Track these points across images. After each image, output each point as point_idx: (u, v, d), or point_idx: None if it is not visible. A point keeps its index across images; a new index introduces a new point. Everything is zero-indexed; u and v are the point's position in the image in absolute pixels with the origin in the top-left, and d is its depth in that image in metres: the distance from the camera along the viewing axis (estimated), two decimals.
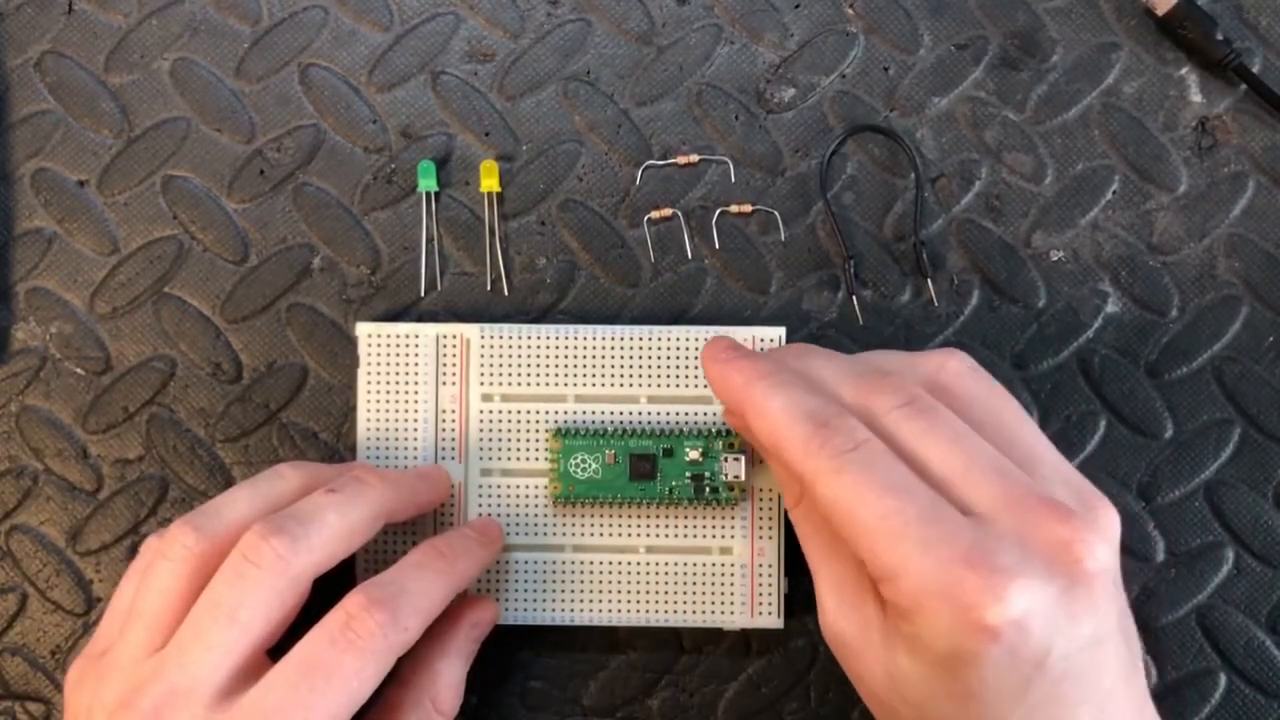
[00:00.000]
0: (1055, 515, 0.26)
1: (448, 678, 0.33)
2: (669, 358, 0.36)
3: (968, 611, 0.25)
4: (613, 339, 0.36)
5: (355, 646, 0.28)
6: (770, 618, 0.35)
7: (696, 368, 0.36)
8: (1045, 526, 0.26)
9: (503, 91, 0.38)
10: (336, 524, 0.30)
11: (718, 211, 0.38)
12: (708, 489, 0.35)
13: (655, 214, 0.38)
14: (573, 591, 0.35)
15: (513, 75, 0.38)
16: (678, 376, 0.36)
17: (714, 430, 0.35)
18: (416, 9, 0.39)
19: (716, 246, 0.37)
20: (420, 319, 0.37)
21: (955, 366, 0.30)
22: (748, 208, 0.37)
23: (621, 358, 0.36)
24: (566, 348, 0.36)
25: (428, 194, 0.38)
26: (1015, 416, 0.30)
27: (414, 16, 0.38)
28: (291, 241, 0.38)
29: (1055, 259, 0.37)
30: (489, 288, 0.37)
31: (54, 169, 0.38)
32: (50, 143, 0.38)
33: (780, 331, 0.36)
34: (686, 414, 0.36)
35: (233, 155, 0.38)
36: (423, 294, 0.37)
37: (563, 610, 0.35)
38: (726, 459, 0.35)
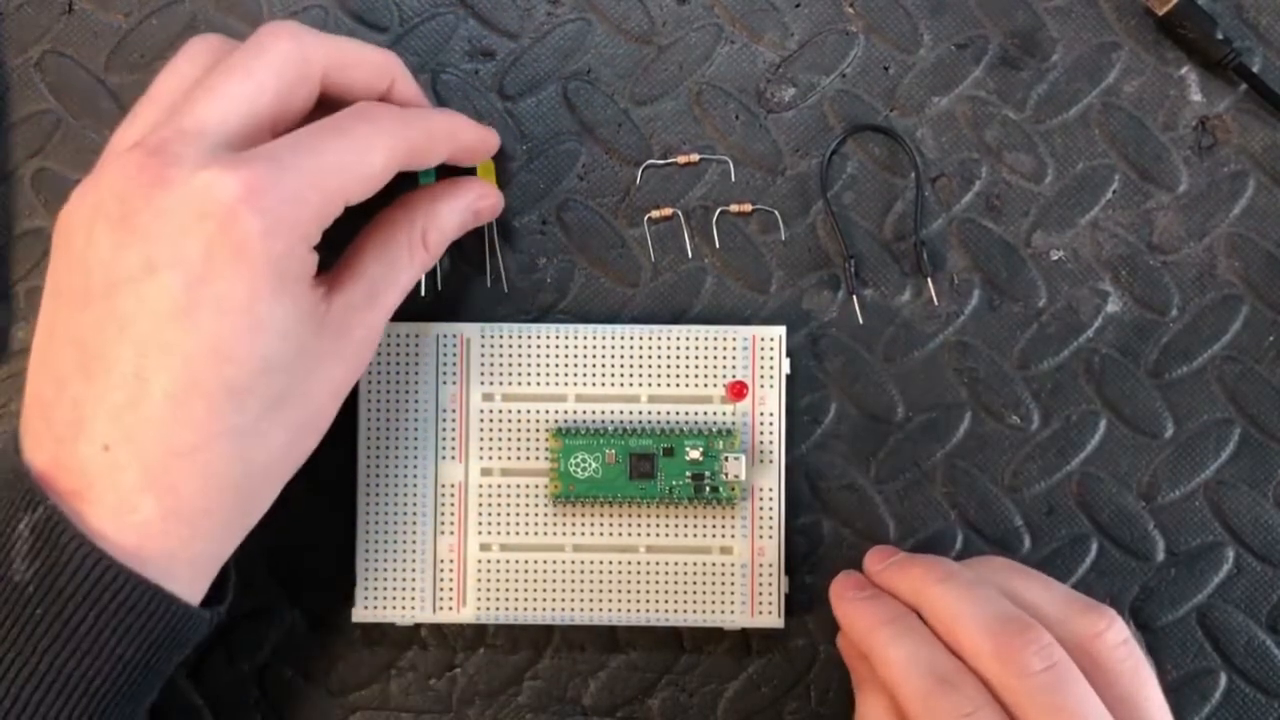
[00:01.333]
0: None
1: (444, 219, 0.33)
2: (669, 357, 0.36)
3: None
4: (613, 339, 0.36)
5: (369, 119, 0.30)
6: (770, 617, 0.35)
7: (697, 367, 0.36)
8: None
9: (503, 91, 0.38)
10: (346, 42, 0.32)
11: (718, 211, 0.38)
12: (708, 488, 0.35)
13: (655, 214, 0.38)
14: (573, 591, 0.35)
15: (513, 75, 0.38)
16: (678, 376, 0.36)
17: (714, 430, 0.35)
18: (416, 8, 0.39)
19: (716, 246, 0.37)
20: (420, 319, 0.37)
21: (1112, 639, 0.30)
22: (748, 207, 0.37)
23: (621, 357, 0.36)
24: (566, 348, 0.36)
25: None
26: (1154, 704, 0.30)
27: (414, 16, 0.38)
28: None
29: (1055, 258, 0.37)
30: (489, 287, 0.37)
31: (54, 169, 0.38)
32: (50, 143, 0.38)
33: (780, 331, 0.36)
34: (686, 413, 0.36)
35: None
36: (423, 294, 0.37)
37: (563, 610, 0.35)
38: (726, 459, 0.35)
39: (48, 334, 0.29)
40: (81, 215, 0.28)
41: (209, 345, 0.27)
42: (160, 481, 0.27)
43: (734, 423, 0.35)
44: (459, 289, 0.37)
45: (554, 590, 0.35)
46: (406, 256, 0.32)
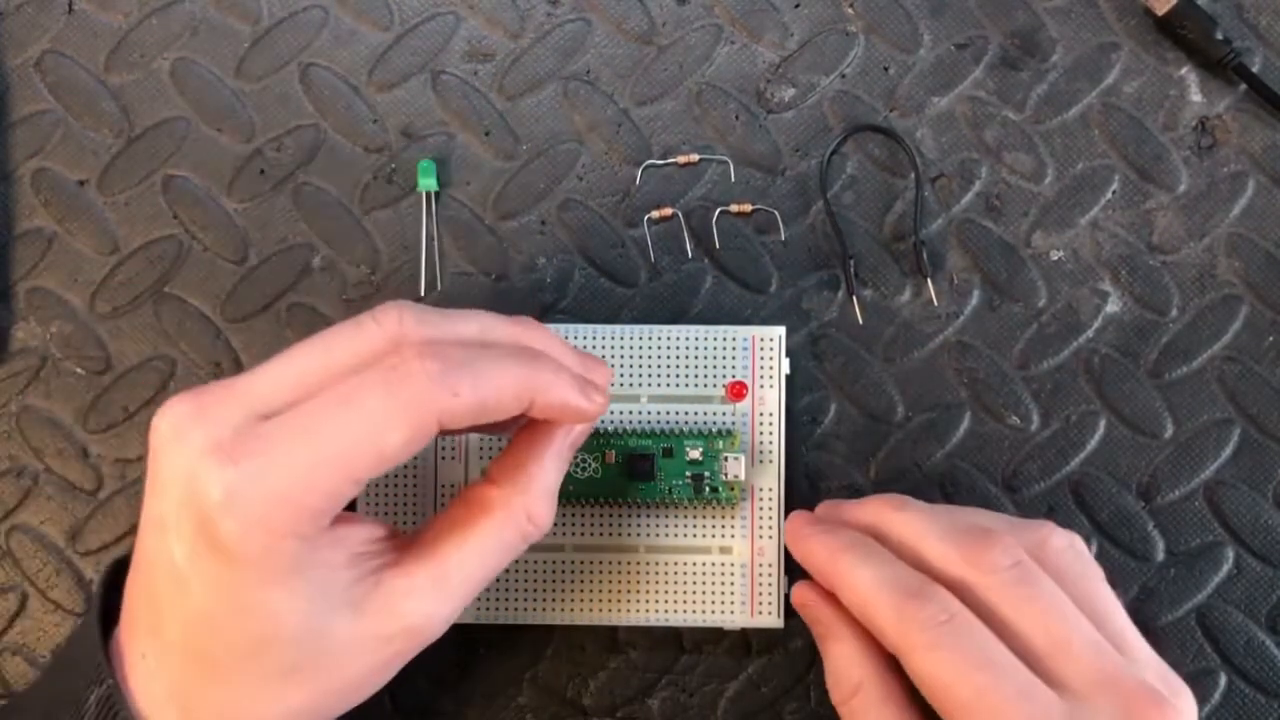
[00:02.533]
0: (1150, 699, 0.27)
1: (541, 482, 0.29)
2: (669, 358, 0.36)
3: None
4: (613, 339, 0.36)
5: (390, 387, 0.26)
6: (770, 617, 0.35)
7: (697, 367, 0.36)
8: (1138, 709, 0.27)
9: (503, 91, 0.38)
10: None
11: (718, 211, 0.38)
12: (707, 488, 0.35)
13: (655, 214, 0.38)
14: (573, 591, 0.35)
15: (513, 75, 0.38)
16: (678, 376, 0.36)
17: (714, 430, 0.35)
18: (416, 9, 0.39)
19: (716, 246, 0.37)
20: None
21: (1058, 544, 0.31)
22: (748, 207, 0.37)
23: (621, 358, 0.36)
24: None
25: (428, 193, 0.38)
26: (1108, 600, 0.30)
27: (414, 16, 0.38)
28: (291, 241, 0.38)
29: (1055, 258, 0.37)
30: (422, 293, 0.37)
31: (54, 169, 0.38)
32: (50, 143, 0.38)
33: (780, 331, 0.36)
34: (686, 414, 0.36)
35: (233, 155, 0.38)
36: (423, 294, 0.37)
37: (563, 610, 0.35)
38: (726, 459, 0.34)
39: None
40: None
41: (202, 614, 0.27)
42: (180, 700, 0.27)
43: (734, 423, 0.35)
44: (459, 289, 0.37)
45: (554, 590, 0.35)
46: (499, 542, 0.29)
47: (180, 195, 0.38)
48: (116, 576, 0.30)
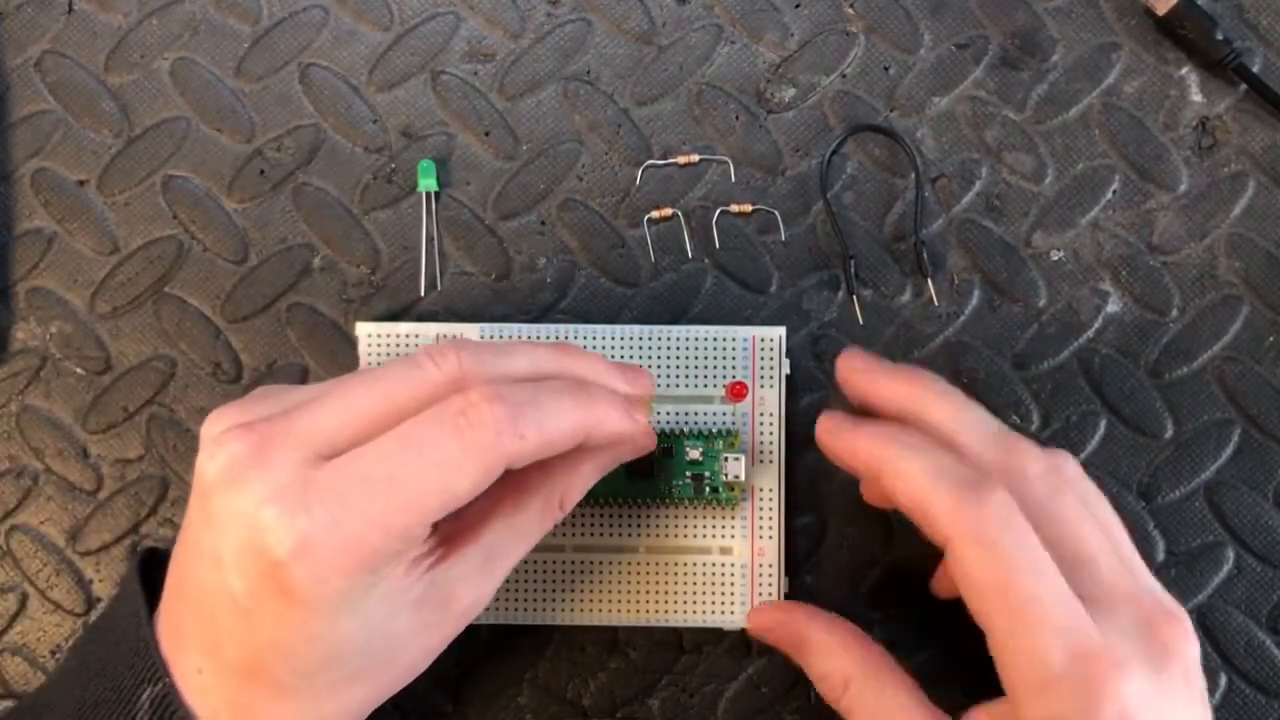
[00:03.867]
0: (1167, 616, 0.28)
1: (584, 480, 0.31)
2: (669, 358, 0.36)
3: (1089, 702, 0.26)
4: (613, 339, 0.36)
5: (461, 434, 0.26)
6: None
7: (697, 367, 0.36)
8: (1158, 624, 0.28)
9: (503, 91, 0.38)
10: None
11: (718, 211, 0.38)
12: (707, 488, 0.35)
13: (655, 214, 0.38)
14: (573, 591, 0.35)
15: (513, 75, 0.38)
16: (678, 376, 0.36)
17: (714, 430, 0.35)
18: (416, 9, 0.39)
19: (716, 246, 0.37)
20: (420, 319, 0.37)
21: (1073, 470, 0.30)
22: (748, 207, 0.37)
23: (621, 358, 0.36)
24: None
25: (428, 194, 0.38)
26: (1118, 525, 0.31)
27: (414, 16, 0.38)
28: (291, 241, 0.38)
29: (1055, 259, 0.37)
30: (421, 294, 0.37)
31: (54, 169, 0.38)
32: (50, 143, 0.38)
33: (780, 331, 0.36)
34: (686, 414, 0.36)
35: (233, 155, 0.38)
36: (423, 294, 0.37)
37: (563, 610, 0.35)
38: (726, 459, 0.34)
39: (181, 532, 0.29)
40: (197, 461, 0.28)
41: (268, 643, 0.27)
42: (242, 714, 0.28)
43: (734, 423, 0.35)
44: (459, 289, 0.37)
45: (554, 590, 0.35)
46: (537, 524, 0.30)
47: (180, 195, 0.38)
48: (145, 575, 0.30)
